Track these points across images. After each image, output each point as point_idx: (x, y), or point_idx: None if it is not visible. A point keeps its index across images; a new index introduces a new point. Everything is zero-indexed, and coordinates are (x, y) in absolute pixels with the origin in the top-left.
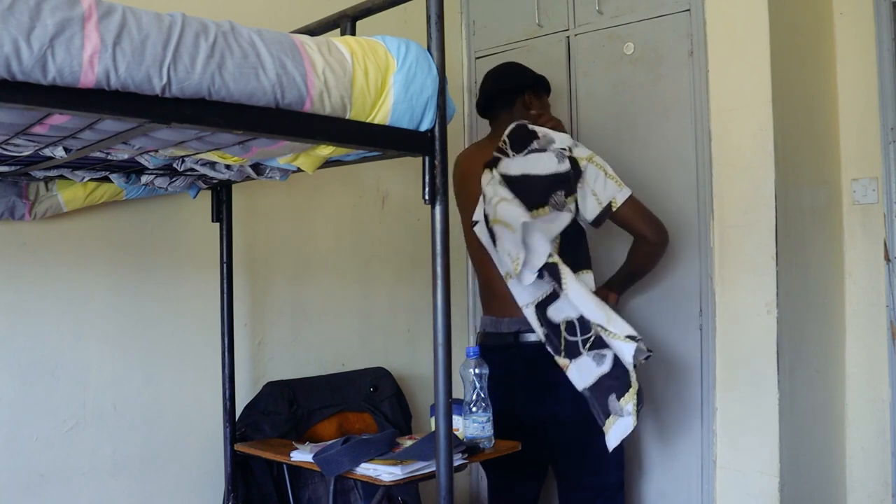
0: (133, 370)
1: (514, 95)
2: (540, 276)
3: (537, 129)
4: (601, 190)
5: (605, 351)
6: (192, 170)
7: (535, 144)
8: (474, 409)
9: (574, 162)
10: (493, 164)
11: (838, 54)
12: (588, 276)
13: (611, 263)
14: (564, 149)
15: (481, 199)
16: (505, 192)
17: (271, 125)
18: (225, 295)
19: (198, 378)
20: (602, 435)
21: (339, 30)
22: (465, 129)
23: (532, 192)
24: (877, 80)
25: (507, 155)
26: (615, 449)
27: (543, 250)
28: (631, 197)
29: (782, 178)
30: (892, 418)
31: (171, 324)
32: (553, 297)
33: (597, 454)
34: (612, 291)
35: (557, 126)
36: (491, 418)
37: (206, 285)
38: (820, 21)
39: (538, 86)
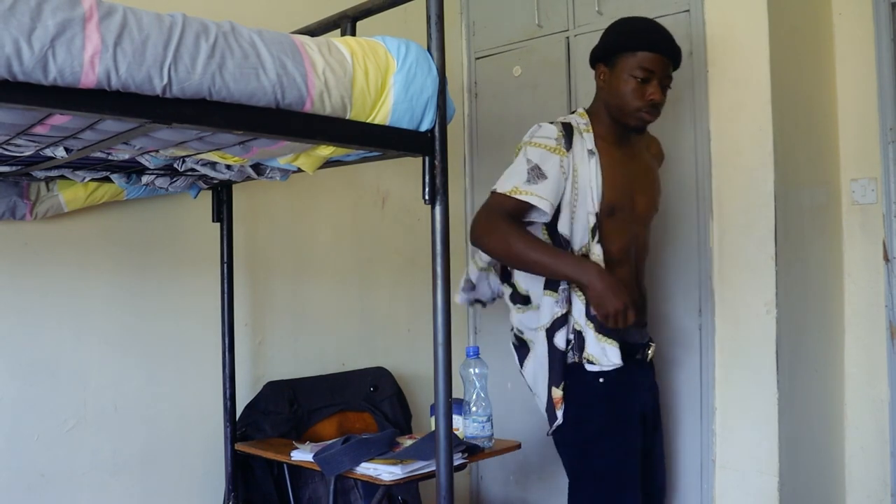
0: (134, 370)
1: (595, 69)
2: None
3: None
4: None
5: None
6: (193, 170)
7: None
8: (474, 408)
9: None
10: None
11: (837, 55)
12: (542, 300)
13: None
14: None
15: None
16: None
17: (272, 125)
18: (225, 295)
19: (198, 378)
20: None
21: (339, 30)
22: (465, 130)
23: None
24: (876, 81)
25: None
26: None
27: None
28: (496, 193)
29: (782, 179)
30: (891, 418)
31: (171, 323)
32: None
33: None
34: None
35: (622, 110)
36: (491, 417)
37: (206, 285)
38: (819, 22)
39: (611, 54)
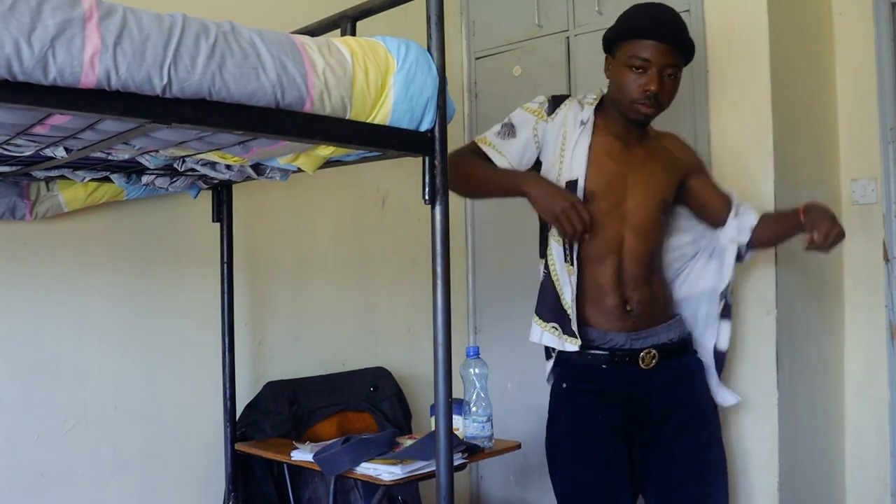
0: (134, 370)
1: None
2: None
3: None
4: None
5: None
6: (193, 170)
7: None
8: (474, 408)
9: None
10: None
11: (837, 55)
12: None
13: None
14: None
15: None
16: None
17: (271, 125)
18: (225, 295)
19: (198, 378)
20: None
21: (339, 30)
22: (465, 130)
23: None
24: (876, 81)
25: None
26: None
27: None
28: (474, 141)
29: (781, 179)
30: (891, 418)
31: (171, 323)
32: None
33: None
34: None
35: (621, 103)
36: (491, 417)
37: (206, 285)
38: (819, 21)
39: (612, 44)
